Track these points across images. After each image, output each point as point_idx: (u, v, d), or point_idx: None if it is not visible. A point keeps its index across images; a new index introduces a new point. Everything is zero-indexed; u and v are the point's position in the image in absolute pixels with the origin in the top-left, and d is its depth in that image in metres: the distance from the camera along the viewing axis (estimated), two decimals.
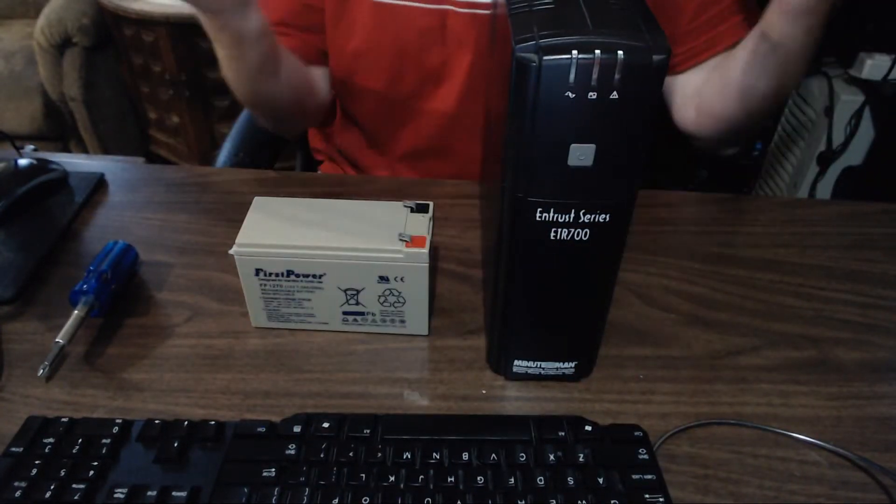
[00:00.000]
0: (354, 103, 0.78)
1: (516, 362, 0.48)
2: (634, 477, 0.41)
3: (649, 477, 0.41)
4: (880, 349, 0.53)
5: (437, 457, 0.42)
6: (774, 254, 0.62)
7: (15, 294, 0.55)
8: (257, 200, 0.53)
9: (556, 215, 0.39)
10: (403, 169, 0.79)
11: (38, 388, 0.48)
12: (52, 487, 0.40)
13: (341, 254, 0.48)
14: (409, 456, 0.42)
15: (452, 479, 0.41)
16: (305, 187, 0.71)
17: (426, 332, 0.53)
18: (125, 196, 0.69)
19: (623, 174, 0.38)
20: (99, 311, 0.52)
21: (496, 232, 0.43)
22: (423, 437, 0.43)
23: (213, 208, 0.67)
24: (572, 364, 0.48)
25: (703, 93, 0.69)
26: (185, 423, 0.44)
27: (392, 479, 0.41)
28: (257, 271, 0.49)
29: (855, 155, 1.45)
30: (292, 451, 0.42)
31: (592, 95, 0.35)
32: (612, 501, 0.40)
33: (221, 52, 0.65)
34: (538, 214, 0.39)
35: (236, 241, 0.49)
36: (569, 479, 0.41)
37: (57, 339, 0.49)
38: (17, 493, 0.40)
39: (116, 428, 0.44)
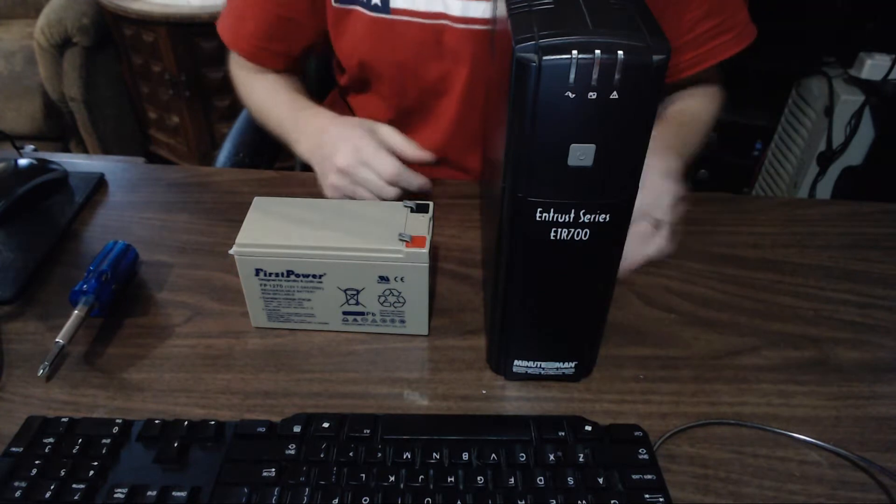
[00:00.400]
0: (359, 113, 0.79)
1: (516, 362, 0.48)
2: (634, 477, 0.41)
3: (649, 477, 0.41)
4: (880, 349, 0.53)
5: (437, 457, 0.42)
6: (774, 254, 0.62)
7: (15, 294, 0.55)
8: (257, 200, 0.53)
9: (556, 215, 0.39)
10: None
11: (38, 388, 0.48)
12: (52, 487, 0.40)
13: (341, 254, 0.48)
14: (409, 456, 0.42)
15: (452, 479, 0.41)
16: (305, 187, 0.71)
17: (426, 332, 0.53)
18: (125, 196, 0.69)
19: (623, 174, 0.38)
20: (99, 311, 0.52)
21: (496, 232, 0.43)
22: (423, 437, 0.43)
23: (213, 208, 0.67)
24: (572, 364, 0.48)
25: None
26: (185, 423, 0.44)
27: (392, 479, 0.41)
28: (257, 271, 0.49)
29: (855, 155, 1.45)
30: (292, 451, 0.42)
31: (592, 95, 0.35)
32: (612, 501, 0.40)
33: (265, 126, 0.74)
34: (538, 214, 0.39)
35: (236, 241, 0.49)
36: (569, 479, 0.41)
37: (57, 339, 0.49)
38: (17, 493, 0.40)
39: (116, 428, 0.44)
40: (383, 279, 0.49)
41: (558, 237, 0.40)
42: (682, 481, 0.43)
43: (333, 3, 0.70)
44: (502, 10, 0.40)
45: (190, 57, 1.68)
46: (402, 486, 0.40)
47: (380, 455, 0.42)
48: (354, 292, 0.50)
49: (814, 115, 1.50)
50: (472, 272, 0.59)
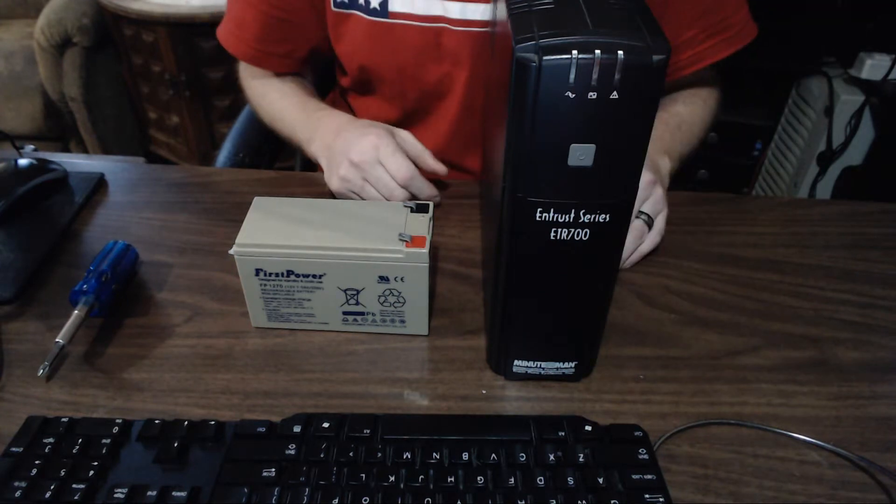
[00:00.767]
0: (360, 115, 0.79)
1: (516, 362, 0.48)
2: (634, 477, 0.41)
3: (649, 477, 0.41)
4: (880, 349, 0.53)
5: (437, 457, 0.42)
6: (774, 254, 0.62)
7: (15, 294, 0.55)
8: (257, 200, 0.53)
9: (556, 215, 0.39)
10: None
11: (38, 388, 0.48)
12: (52, 487, 0.40)
13: (341, 254, 0.48)
14: (409, 456, 0.42)
15: (452, 479, 0.41)
16: (305, 187, 0.71)
17: (426, 332, 0.53)
18: (125, 196, 0.69)
19: (623, 174, 0.38)
20: (99, 311, 0.52)
21: (496, 232, 0.43)
22: (423, 437, 0.43)
23: (213, 208, 0.67)
24: (572, 364, 0.48)
25: None
26: (185, 423, 0.44)
27: (392, 479, 0.41)
28: (257, 271, 0.49)
29: (855, 155, 1.45)
30: (292, 451, 0.42)
31: (592, 95, 0.35)
32: (612, 501, 0.40)
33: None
34: (538, 214, 0.39)
35: (236, 241, 0.49)
36: (569, 479, 0.41)
37: (57, 339, 0.49)
38: (17, 493, 0.40)
39: (116, 428, 0.44)
40: (383, 279, 0.49)
41: (558, 237, 0.40)
42: (682, 481, 0.43)
43: (332, 8, 0.70)
44: (502, 11, 0.40)
45: (190, 57, 1.68)
46: (402, 486, 0.40)
47: (380, 455, 0.42)
48: (354, 292, 0.50)
49: (814, 115, 1.50)
50: (472, 272, 0.59)
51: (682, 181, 0.68)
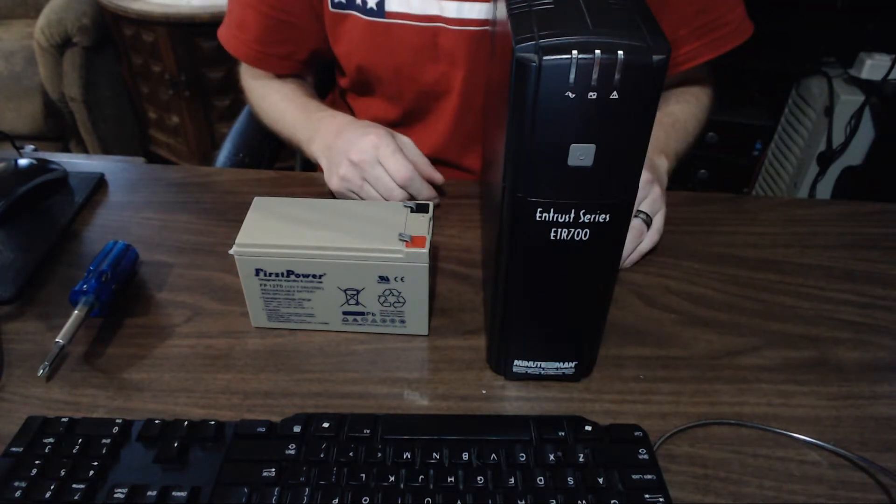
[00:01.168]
0: (358, 115, 0.79)
1: (516, 362, 0.48)
2: (634, 477, 0.41)
3: (649, 477, 0.41)
4: (880, 349, 0.53)
5: (437, 457, 0.42)
6: (774, 254, 0.62)
7: (15, 294, 0.55)
8: (257, 200, 0.53)
9: (556, 215, 0.39)
10: None
11: (38, 388, 0.48)
12: (52, 487, 0.40)
13: (341, 254, 0.48)
14: (409, 456, 0.42)
15: (452, 479, 0.41)
16: (305, 187, 0.71)
17: (426, 332, 0.53)
18: (125, 196, 0.69)
19: (623, 174, 0.38)
20: (99, 311, 0.52)
21: (496, 232, 0.43)
22: (423, 437, 0.43)
23: (213, 208, 0.67)
24: (572, 364, 0.48)
25: None
26: (185, 423, 0.44)
27: (392, 479, 0.41)
28: (257, 271, 0.49)
29: (855, 155, 1.45)
30: (292, 451, 0.42)
31: (592, 95, 0.35)
32: (612, 501, 0.40)
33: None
34: (538, 214, 0.39)
35: (236, 241, 0.49)
36: (569, 479, 0.41)
37: (57, 339, 0.49)
38: (17, 493, 0.40)
39: (116, 428, 0.44)
40: (383, 279, 0.49)
41: (558, 237, 0.40)
42: (682, 481, 0.43)
43: (330, 8, 0.70)
44: (502, 11, 0.40)
45: (190, 57, 1.68)
46: (402, 486, 0.40)
47: (380, 455, 0.42)
48: (354, 292, 0.50)
49: (814, 115, 1.50)
50: (472, 272, 0.59)
51: (682, 181, 0.68)
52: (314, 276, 0.49)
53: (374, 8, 0.67)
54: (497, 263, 0.44)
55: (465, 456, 0.42)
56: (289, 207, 0.52)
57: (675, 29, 0.68)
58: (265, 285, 0.50)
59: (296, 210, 0.52)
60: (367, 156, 0.61)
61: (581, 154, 0.37)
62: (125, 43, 1.77)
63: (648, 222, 0.59)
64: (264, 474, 0.41)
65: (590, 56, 0.33)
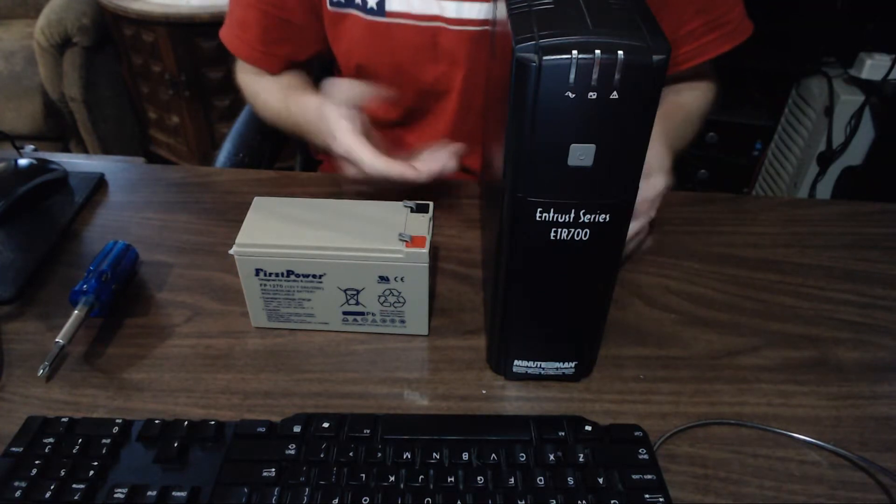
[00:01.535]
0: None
1: (516, 362, 0.48)
2: (634, 477, 0.41)
3: (649, 477, 0.41)
4: (880, 349, 0.53)
5: (437, 457, 0.42)
6: (774, 254, 0.62)
7: (15, 294, 0.55)
8: (257, 200, 0.53)
9: (556, 215, 0.39)
10: None
11: (38, 388, 0.48)
12: (52, 487, 0.40)
13: (341, 254, 0.48)
14: (409, 456, 0.42)
15: (452, 479, 0.41)
16: (305, 187, 0.71)
17: (426, 332, 0.53)
18: (125, 196, 0.69)
19: (623, 174, 0.38)
20: (99, 311, 0.52)
21: (496, 232, 0.43)
22: (423, 437, 0.43)
23: (213, 208, 0.67)
24: (572, 364, 0.48)
25: None
26: (185, 423, 0.44)
27: (392, 479, 0.41)
28: (257, 271, 0.49)
29: (855, 155, 1.45)
30: (292, 451, 0.42)
31: (592, 95, 0.35)
32: (612, 501, 0.40)
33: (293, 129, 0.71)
34: (538, 214, 0.39)
35: (236, 241, 0.49)
36: (569, 479, 0.41)
37: (57, 339, 0.49)
38: (17, 493, 0.40)
39: (116, 428, 0.44)
40: (383, 279, 0.49)
41: (558, 237, 0.40)
42: (682, 481, 0.43)
43: (329, 7, 0.70)
44: (502, 10, 0.40)
45: (190, 57, 1.68)
46: (402, 486, 0.40)
47: (380, 455, 0.42)
48: (354, 292, 0.50)
49: (814, 115, 1.50)
50: (472, 272, 0.59)
51: (682, 181, 0.68)
52: (314, 276, 0.49)
53: (375, 7, 0.67)
54: (497, 263, 0.44)
55: (465, 456, 0.42)
56: (289, 207, 0.52)
57: (675, 28, 0.68)
58: (265, 285, 0.50)
59: (296, 210, 0.52)
60: (340, 152, 0.58)
61: (581, 154, 0.37)
62: (125, 43, 1.77)
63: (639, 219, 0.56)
64: (264, 474, 0.41)
65: (590, 56, 0.33)
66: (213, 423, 0.44)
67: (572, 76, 0.34)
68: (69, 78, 1.72)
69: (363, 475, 0.41)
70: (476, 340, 0.53)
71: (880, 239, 0.64)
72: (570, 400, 0.48)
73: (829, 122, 1.44)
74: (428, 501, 0.40)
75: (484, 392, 0.49)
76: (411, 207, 0.51)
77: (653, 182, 0.58)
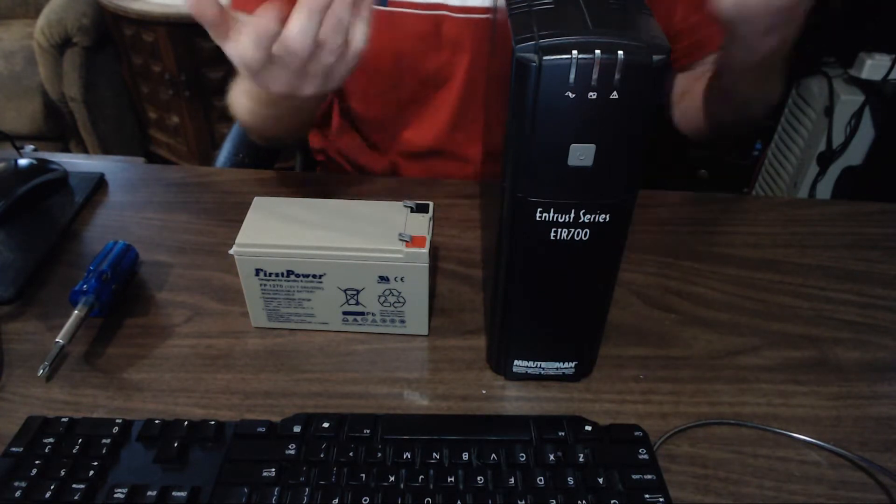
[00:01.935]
0: (357, 106, 0.78)
1: (516, 362, 0.48)
2: (634, 477, 0.41)
3: (649, 477, 0.41)
4: (880, 349, 0.53)
5: (437, 457, 0.42)
6: (774, 254, 0.62)
7: (15, 294, 0.55)
8: (257, 200, 0.53)
9: (556, 215, 0.39)
10: (403, 170, 0.80)
11: (38, 388, 0.48)
12: (52, 487, 0.40)
13: (341, 254, 0.48)
14: (409, 456, 0.42)
15: (452, 479, 0.41)
16: (305, 187, 0.71)
17: (426, 332, 0.53)
18: (125, 196, 0.69)
19: (623, 174, 0.38)
20: (99, 311, 0.52)
21: (496, 232, 0.43)
22: (423, 437, 0.43)
23: (213, 208, 0.67)
24: (572, 364, 0.48)
25: (684, 101, 0.70)
26: (185, 423, 0.44)
27: (392, 479, 0.41)
28: (257, 271, 0.49)
29: (855, 155, 1.45)
30: (292, 451, 0.42)
31: (592, 95, 0.35)
32: (612, 501, 0.40)
33: (262, 111, 0.63)
34: (538, 214, 0.39)
35: (236, 241, 0.49)
36: (569, 479, 0.41)
37: (57, 339, 0.49)
38: (17, 493, 0.40)
39: (116, 428, 0.44)
40: (383, 279, 0.49)
41: (558, 237, 0.40)
42: (682, 481, 0.43)
43: None
44: (502, 2, 0.40)
45: (190, 57, 1.68)
46: (402, 486, 0.40)
47: (380, 455, 0.42)
48: (354, 292, 0.50)
49: (814, 115, 1.50)
50: (472, 272, 0.59)
51: (682, 181, 0.68)
52: (314, 276, 0.49)
53: None
54: (497, 263, 0.44)
55: (465, 456, 0.42)
56: (289, 207, 0.52)
57: (686, 16, 0.67)
58: (265, 285, 0.50)
59: (296, 210, 0.52)
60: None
61: (581, 154, 0.37)
62: (125, 43, 1.77)
63: None
64: (264, 474, 0.41)
65: (590, 56, 0.33)
66: (213, 423, 0.44)
67: (572, 76, 0.34)
68: (69, 78, 1.72)
69: (363, 475, 0.41)
70: (476, 340, 0.53)
71: (880, 239, 0.64)
72: (570, 400, 0.48)
73: (829, 122, 1.44)
74: (428, 501, 0.40)
75: (484, 392, 0.49)
76: (411, 207, 0.51)
77: None
